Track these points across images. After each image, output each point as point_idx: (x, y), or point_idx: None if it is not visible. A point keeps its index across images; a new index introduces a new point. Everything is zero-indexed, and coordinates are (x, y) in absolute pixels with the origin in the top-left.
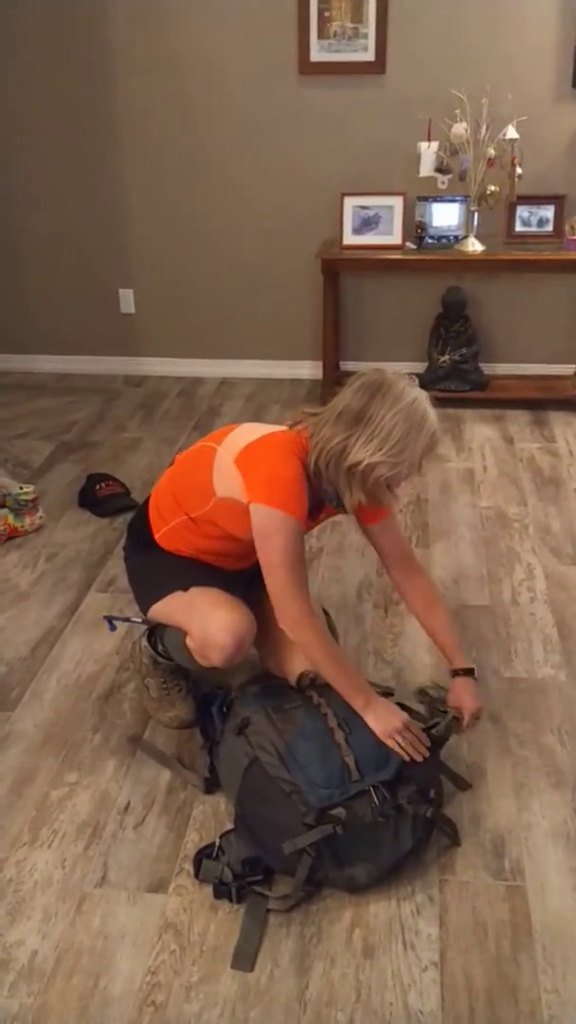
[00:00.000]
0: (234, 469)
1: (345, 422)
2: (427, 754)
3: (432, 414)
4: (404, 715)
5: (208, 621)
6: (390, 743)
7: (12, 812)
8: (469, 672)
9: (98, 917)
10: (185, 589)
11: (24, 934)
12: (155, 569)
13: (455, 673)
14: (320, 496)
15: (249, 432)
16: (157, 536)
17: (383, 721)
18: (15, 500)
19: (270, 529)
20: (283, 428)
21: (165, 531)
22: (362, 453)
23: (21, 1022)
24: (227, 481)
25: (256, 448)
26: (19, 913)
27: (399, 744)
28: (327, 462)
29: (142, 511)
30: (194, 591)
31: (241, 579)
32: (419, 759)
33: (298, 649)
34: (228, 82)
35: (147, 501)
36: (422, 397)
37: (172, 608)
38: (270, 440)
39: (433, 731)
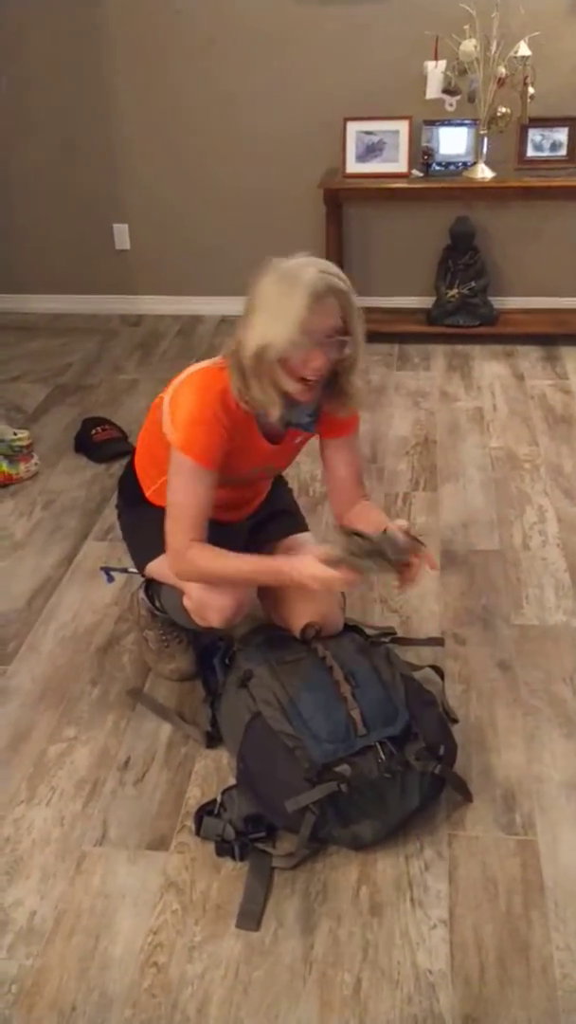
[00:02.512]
0: (168, 418)
1: (240, 322)
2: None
3: (311, 272)
4: (332, 572)
5: None
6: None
7: (9, 768)
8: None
9: (98, 876)
10: None
11: (23, 894)
12: (149, 525)
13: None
14: (261, 423)
15: (183, 374)
16: (148, 494)
17: (319, 579)
18: (9, 446)
19: (171, 470)
20: (216, 360)
21: (155, 489)
22: (248, 336)
23: (20, 984)
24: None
25: (176, 390)
26: (17, 873)
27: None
28: (239, 373)
29: (130, 468)
30: None
31: (240, 531)
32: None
33: (302, 601)
34: None
35: (132, 458)
36: (309, 264)
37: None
38: (187, 380)
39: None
